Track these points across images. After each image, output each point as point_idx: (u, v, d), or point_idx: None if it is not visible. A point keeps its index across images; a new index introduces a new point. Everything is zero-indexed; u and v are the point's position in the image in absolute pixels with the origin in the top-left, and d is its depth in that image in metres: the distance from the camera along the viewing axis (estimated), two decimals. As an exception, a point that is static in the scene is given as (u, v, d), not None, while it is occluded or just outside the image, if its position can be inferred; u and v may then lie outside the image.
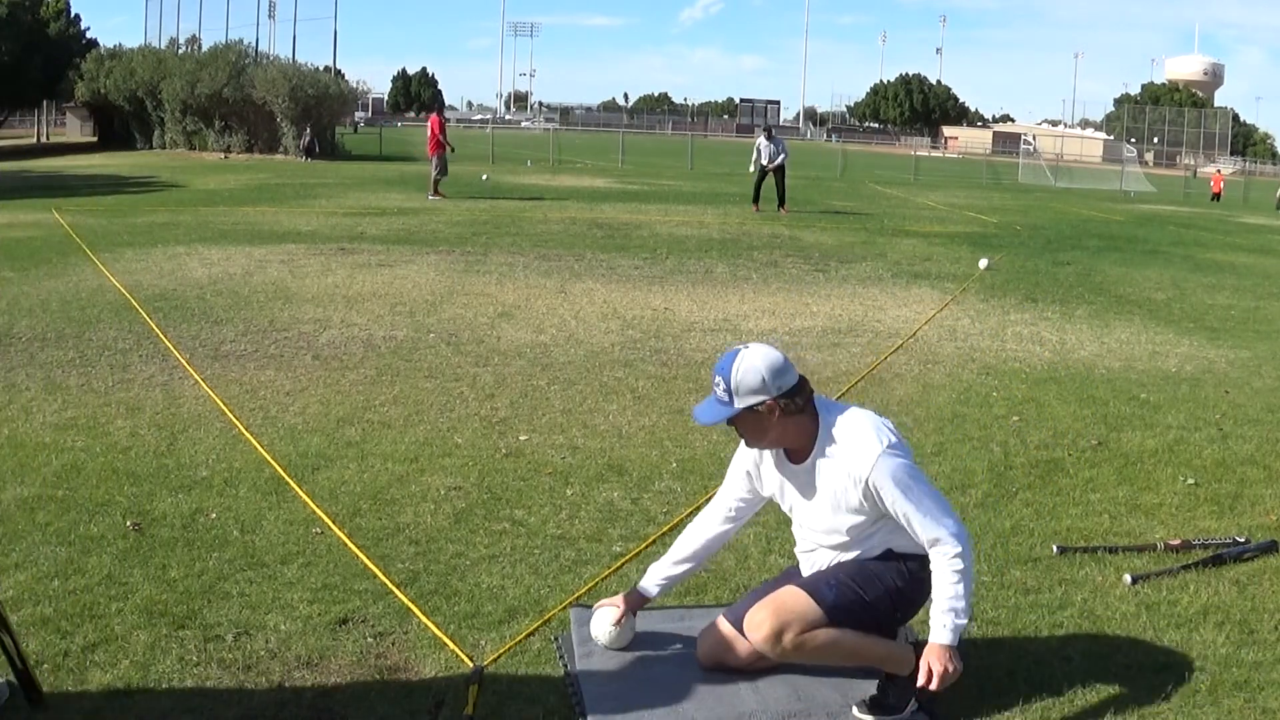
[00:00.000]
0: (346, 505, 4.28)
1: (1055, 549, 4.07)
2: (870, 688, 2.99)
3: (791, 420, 2.90)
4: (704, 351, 7.40)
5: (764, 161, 19.33)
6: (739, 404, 2.87)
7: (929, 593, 2.93)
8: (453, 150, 19.93)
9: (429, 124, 20.38)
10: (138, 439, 5.03)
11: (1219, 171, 38.11)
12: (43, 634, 3.14)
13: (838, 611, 2.91)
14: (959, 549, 2.82)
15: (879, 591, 2.95)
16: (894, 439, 2.90)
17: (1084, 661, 3.22)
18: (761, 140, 19.46)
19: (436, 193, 19.19)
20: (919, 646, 2.94)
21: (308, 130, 34.25)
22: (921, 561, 2.94)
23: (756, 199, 19.43)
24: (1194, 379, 7.23)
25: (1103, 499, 4.73)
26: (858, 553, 3.01)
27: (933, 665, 2.80)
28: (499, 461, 4.91)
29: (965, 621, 2.85)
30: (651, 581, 3.23)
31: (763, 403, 2.85)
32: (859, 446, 2.88)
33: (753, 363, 2.85)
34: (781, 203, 19.19)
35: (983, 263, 11.08)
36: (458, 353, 7.06)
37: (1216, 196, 34.58)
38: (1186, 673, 3.18)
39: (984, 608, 3.57)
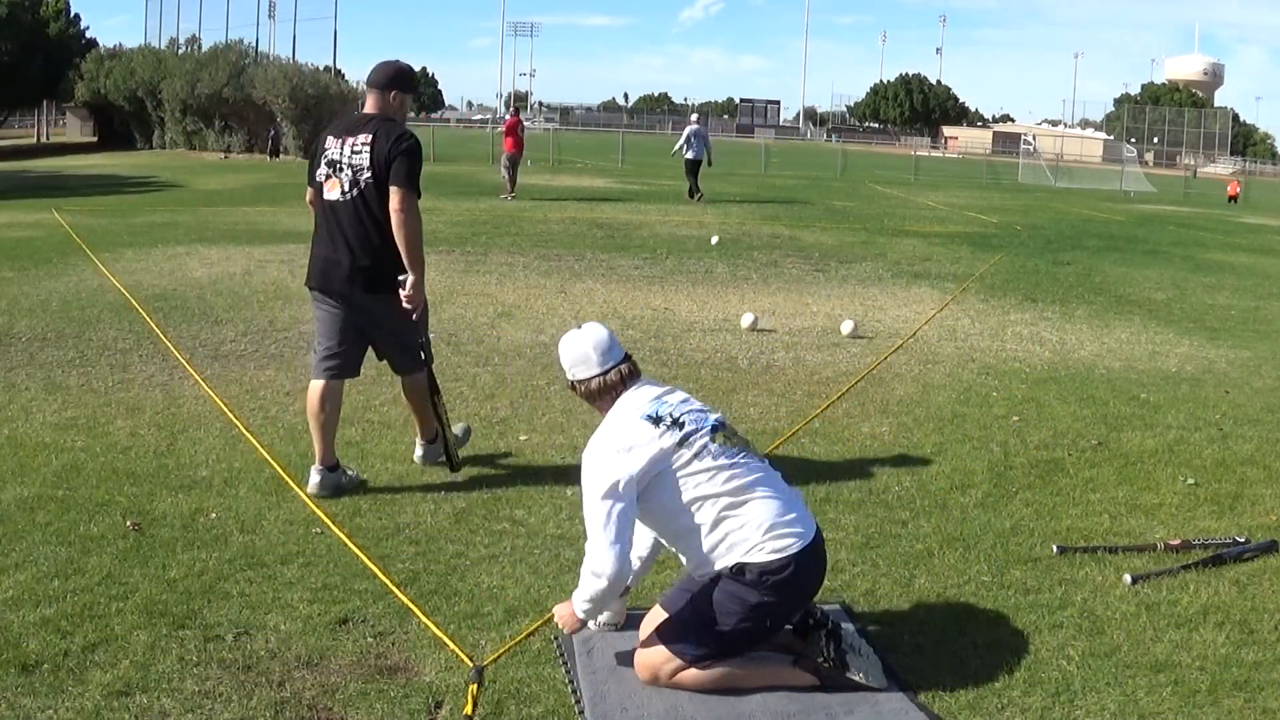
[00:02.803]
0: (346, 505, 4.28)
1: (1055, 549, 4.07)
2: (873, 697, 2.99)
3: (595, 403, 3.18)
4: (704, 351, 7.40)
5: (689, 154, 20.75)
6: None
7: (795, 597, 2.96)
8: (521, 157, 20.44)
9: (511, 124, 20.40)
10: (138, 439, 5.02)
11: (1235, 180, 38.25)
12: (43, 634, 3.14)
13: (701, 660, 2.96)
14: (596, 566, 2.88)
15: (737, 616, 2.94)
16: (616, 437, 2.98)
17: (1084, 661, 3.22)
18: (697, 128, 21.01)
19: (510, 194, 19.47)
20: (815, 628, 3.02)
21: (272, 129, 34.42)
22: (763, 571, 2.91)
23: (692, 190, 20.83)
24: (1194, 379, 7.23)
25: (1103, 499, 4.73)
26: (696, 562, 3.03)
27: (559, 611, 3.11)
28: (499, 461, 4.91)
29: (587, 598, 2.95)
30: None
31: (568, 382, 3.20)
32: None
33: (563, 342, 3.20)
34: (696, 192, 20.71)
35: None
36: (458, 353, 7.05)
37: (1233, 199, 34.67)
38: (1186, 673, 3.18)
39: (984, 608, 3.58)
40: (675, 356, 7.20)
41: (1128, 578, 3.82)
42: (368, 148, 4.22)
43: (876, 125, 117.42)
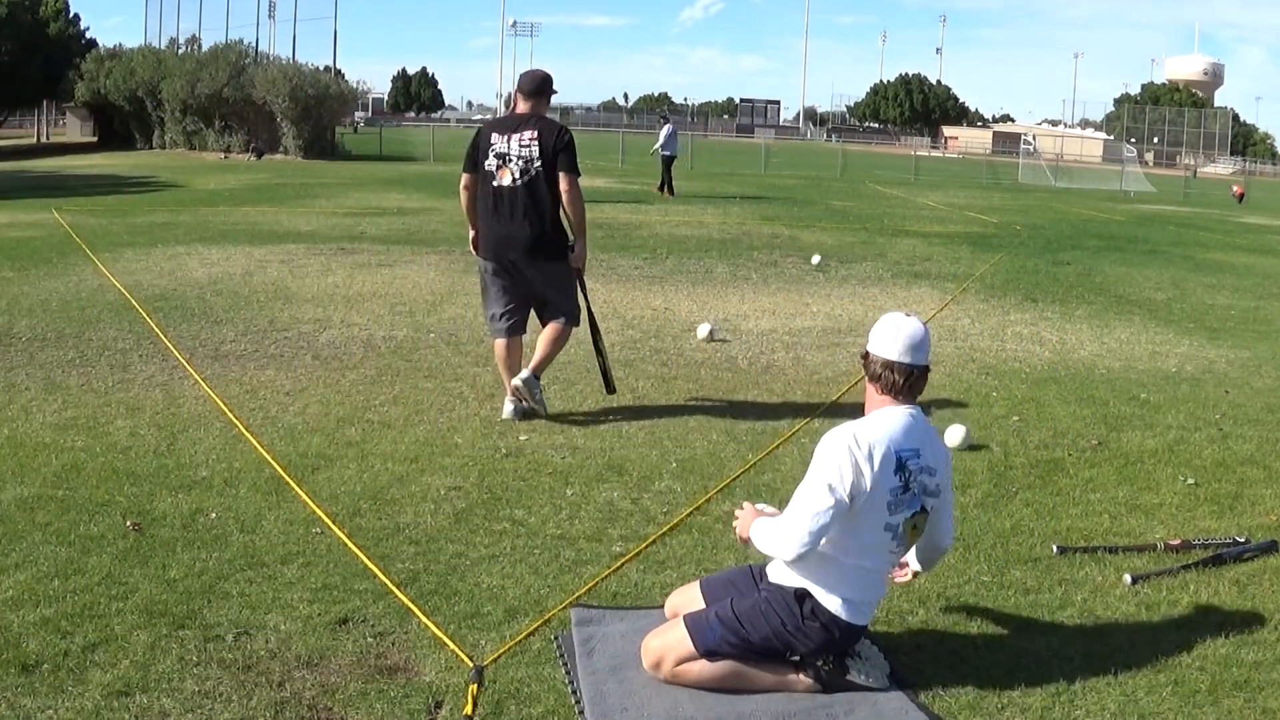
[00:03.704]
0: (346, 505, 4.28)
1: (1055, 549, 4.08)
2: (873, 696, 3.00)
3: (869, 384, 3.08)
4: (704, 351, 7.40)
5: (665, 151, 22.16)
6: None
7: (823, 649, 2.99)
8: None
9: None
10: (138, 439, 5.03)
11: (1237, 184, 38.39)
12: (43, 634, 3.14)
13: (714, 655, 2.98)
14: (785, 550, 2.92)
15: (765, 632, 2.98)
16: (854, 428, 2.95)
17: (1084, 661, 3.22)
18: (672, 127, 22.61)
19: None
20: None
21: (253, 134, 34.65)
22: (829, 623, 2.96)
23: (669, 186, 21.96)
24: (1194, 379, 7.23)
25: (1103, 499, 4.73)
26: (787, 564, 3.04)
27: (743, 517, 3.14)
28: (499, 461, 4.91)
29: (762, 543, 3.00)
30: None
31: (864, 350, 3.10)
32: None
33: (886, 317, 3.09)
34: (668, 188, 21.83)
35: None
36: (458, 353, 7.06)
37: (1240, 198, 34.67)
38: (1186, 673, 3.18)
39: (984, 608, 3.58)
40: (675, 356, 7.20)
41: (1128, 578, 3.82)
42: (535, 142, 5.27)
43: (876, 125, 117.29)
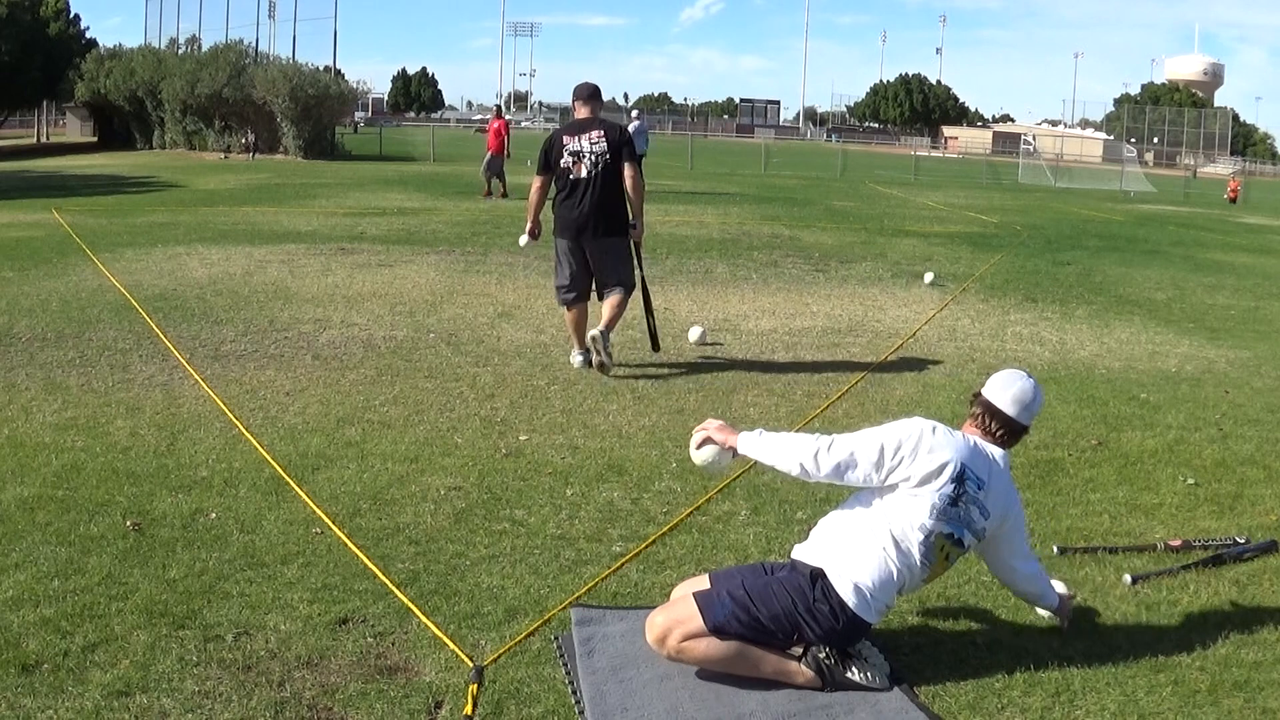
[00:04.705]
0: (346, 505, 4.28)
1: (1055, 549, 4.08)
2: (873, 697, 3.00)
3: (968, 419, 3.30)
4: (704, 352, 7.40)
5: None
6: None
7: (825, 636, 3.01)
8: (508, 155, 20.82)
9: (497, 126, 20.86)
10: (138, 439, 5.03)
11: (1234, 178, 38.21)
12: (43, 634, 3.14)
13: (722, 632, 3.00)
14: (811, 466, 3.09)
15: (775, 611, 3.02)
16: (939, 426, 3.14)
17: (1084, 661, 3.22)
18: (639, 124, 22.03)
19: (488, 193, 19.89)
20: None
21: (249, 131, 34.73)
22: (837, 608, 3.00)
23: None
24: (1194, 379, 7.23)
25: (1103, 499, 4.73)
26: (828, 529, 3.19)
27: (713, 431, 3.26)
28: (499, 461, 4.91)
29: (765, 448, 3.16)
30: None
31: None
32: None
33: (1008, 369, 3.33)
34: None
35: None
36: (458, 353, 7.06)
37: (1233, 200, 34.47)
38: (1186, 673, 3.18)
39: (984, 608, 3.58)
40: (675, 356, 7.20)
41: (1128, 578, 3.82)
42: (604, 140, 6.40)
43: (876, 125, 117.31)
